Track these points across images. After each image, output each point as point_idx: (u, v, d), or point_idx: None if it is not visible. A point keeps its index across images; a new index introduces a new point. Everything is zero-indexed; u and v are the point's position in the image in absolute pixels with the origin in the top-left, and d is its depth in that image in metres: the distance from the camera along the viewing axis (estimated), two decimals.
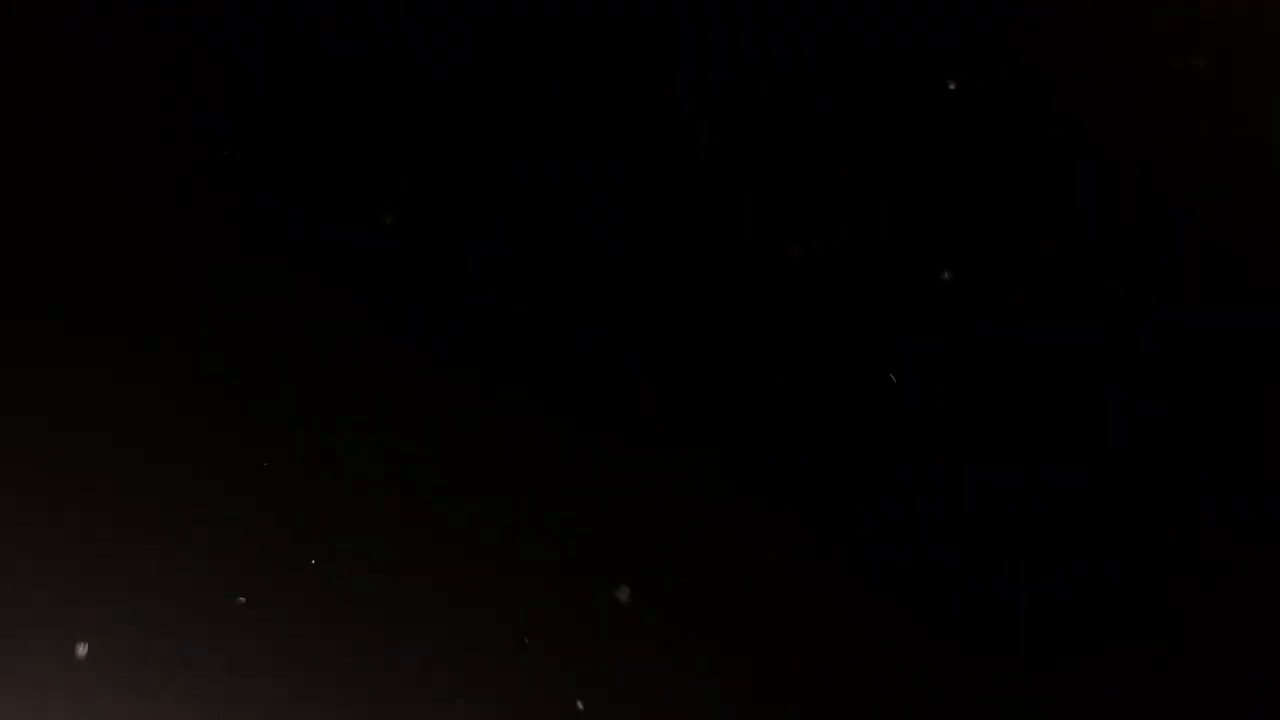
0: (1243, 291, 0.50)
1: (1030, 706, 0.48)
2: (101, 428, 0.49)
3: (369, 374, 0.50)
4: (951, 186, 0.51)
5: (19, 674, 0.48)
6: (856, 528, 0.49)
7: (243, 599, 0.48)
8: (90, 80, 0.52)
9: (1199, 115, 0.52)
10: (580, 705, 0.47)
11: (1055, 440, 0.49)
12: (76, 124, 0.51)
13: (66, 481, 0.49)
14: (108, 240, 0.51)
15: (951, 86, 0.52)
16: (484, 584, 0.48)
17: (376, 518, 0.49)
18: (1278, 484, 0.49)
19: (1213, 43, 0.52)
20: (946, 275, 0.50)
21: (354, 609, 0.48)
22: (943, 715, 0.48)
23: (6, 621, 0.48)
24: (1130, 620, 0.48)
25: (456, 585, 0.49)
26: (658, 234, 0.51)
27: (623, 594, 0.48)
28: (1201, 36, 0.52)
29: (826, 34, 0.52)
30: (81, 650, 0.47)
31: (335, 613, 0.48)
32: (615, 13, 0.52)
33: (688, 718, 0.48)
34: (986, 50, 0.52)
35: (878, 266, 0.50)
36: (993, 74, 0.52)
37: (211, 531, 0.49)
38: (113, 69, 0.52)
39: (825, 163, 0.51)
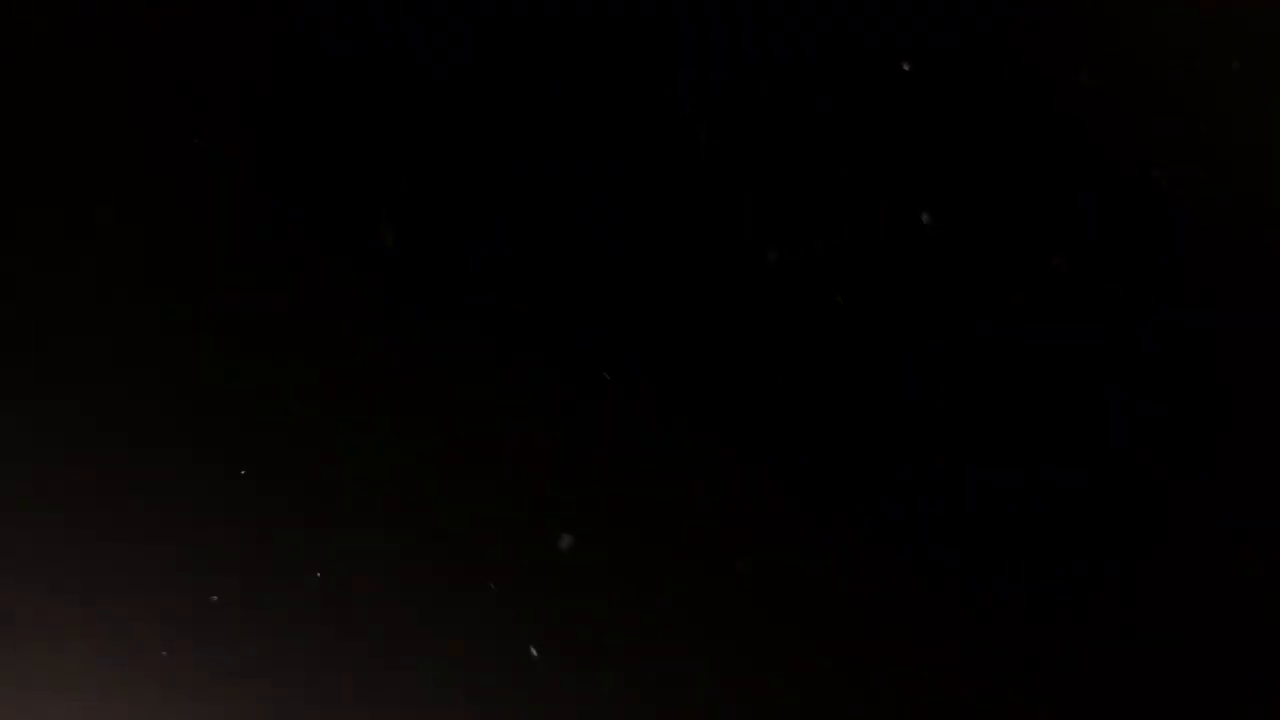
0: (1243, 291, 0.50)
1: (1030, 706, 0.48)
2: (102, 429, 0.49)
3: (368, 373, 0.50)
4: (952, 187, 0.51)
5: (18, 673, 0.48)
6: (856, 527, 0.49)
7: (215, 597, 0.48)
8: (89, 80, 0.51)
9: (1200, 115, 0.52)
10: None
11: (1055, 440, 0.49)
12: (76, 124, 0.51)
13: (66, 482, 0.49)
14: (105, 240, 0.50)
15: (950, 87, 0.51)
16: (480, 581, 0.49)
17: (376, 517, 0.49)
18: (1278, 484, 0.49)
19: (1241, 46, 0.52)
20: (944, 273, 0.50)
21: (353, 609, 0.48)
22: (941, 714, 0.48)
23: (5, 621, 0.48)
24: (1130, 620, 0.48)
25: (457, 584, 0.49)
26: (658, 234, 0.50)
27: (564, 542, 0.48)
28: (1225, 40, 0.52)
29: (826, 34, 0.52)
30: None
31: (334, 614, 0.48)
32: (615, 13, 0.52)
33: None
34: (989, 51, 0.52)
35: (877, 267, 0.50)
36: (994, 76, 0.52)
37: (212, 532, 0.49)
38: (112, 69, 0.51)
39: (824, 163, 0.51)
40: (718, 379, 0.50)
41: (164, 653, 0.48)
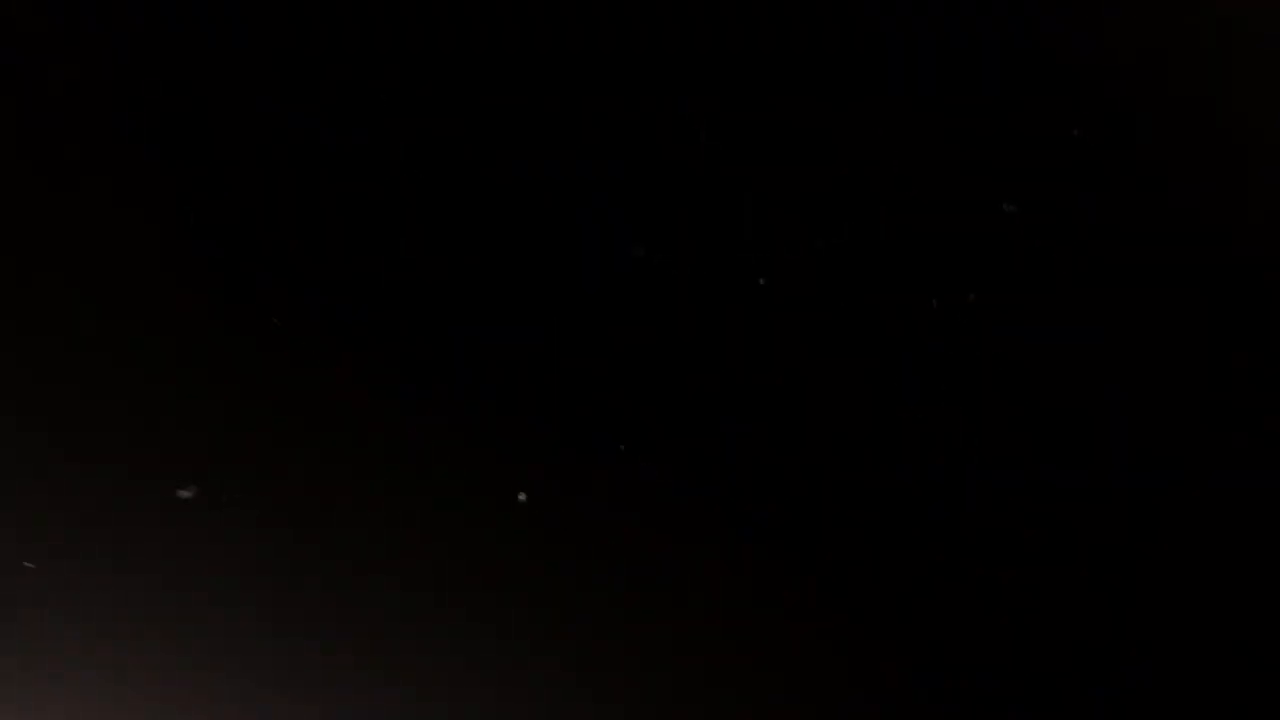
0: (1243, 291, 0.50)
1: (1030, 707, 0.48)
2: (101, 430, 0.49)
3: (363, 375, 0.50)
4: (953, 188, 0.51)
5: (15, 674, 0.48)
6: (856, 528, 0.49)
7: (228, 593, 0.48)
8: (87, 78, 0.51)
9: (1200, 116, 0.52)
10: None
11: (1055, 440, 0.49)
12: (74, 123, 0.51)
13: (63, 482, 0.49)
14: (103, 241, 0.50)
15: (949, 87, 0.51)
16: (473, 586, 0.49)
17: (373, 519, 0.49)
18: (1278, 484, 0.49)
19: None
20: (946, 272, 0.50)
21: (356, 609, 0.48)
22: (941, 714, 0.48)
23: (4, 623, 0.48)
24: (1129, 621, 0.48)
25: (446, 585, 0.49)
26: (658, 234, 0.51)
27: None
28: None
29: (827, 35, 0.52)
30: None
31: (333, 613, 0.48)
32: (615, 13, 0.52)
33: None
34: (986, 47, 0.52)
35: (878, 267, 0.50)
36: (995, 72, 0.52)
37: (209, 531, 0.49)
38: (111, 68, 0.51)
39: (825, 163, 0.51)
40: (715, 379, 0.50)
41: (161, 655, 0.48)
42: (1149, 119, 0.52)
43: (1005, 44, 0.52)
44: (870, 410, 0.49)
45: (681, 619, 0.48)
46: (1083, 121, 0.51)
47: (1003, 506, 0.49)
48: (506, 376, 0.50)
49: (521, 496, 0.48)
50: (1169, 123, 0.52)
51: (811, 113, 0.51)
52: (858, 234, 0.50)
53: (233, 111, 0.51)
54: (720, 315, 0.50)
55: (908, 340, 0.50)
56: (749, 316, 0.50)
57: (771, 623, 0.48)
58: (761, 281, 0.50)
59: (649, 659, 0.48)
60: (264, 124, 0.51)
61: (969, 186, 0.51)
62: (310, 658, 0.48)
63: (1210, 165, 0.51)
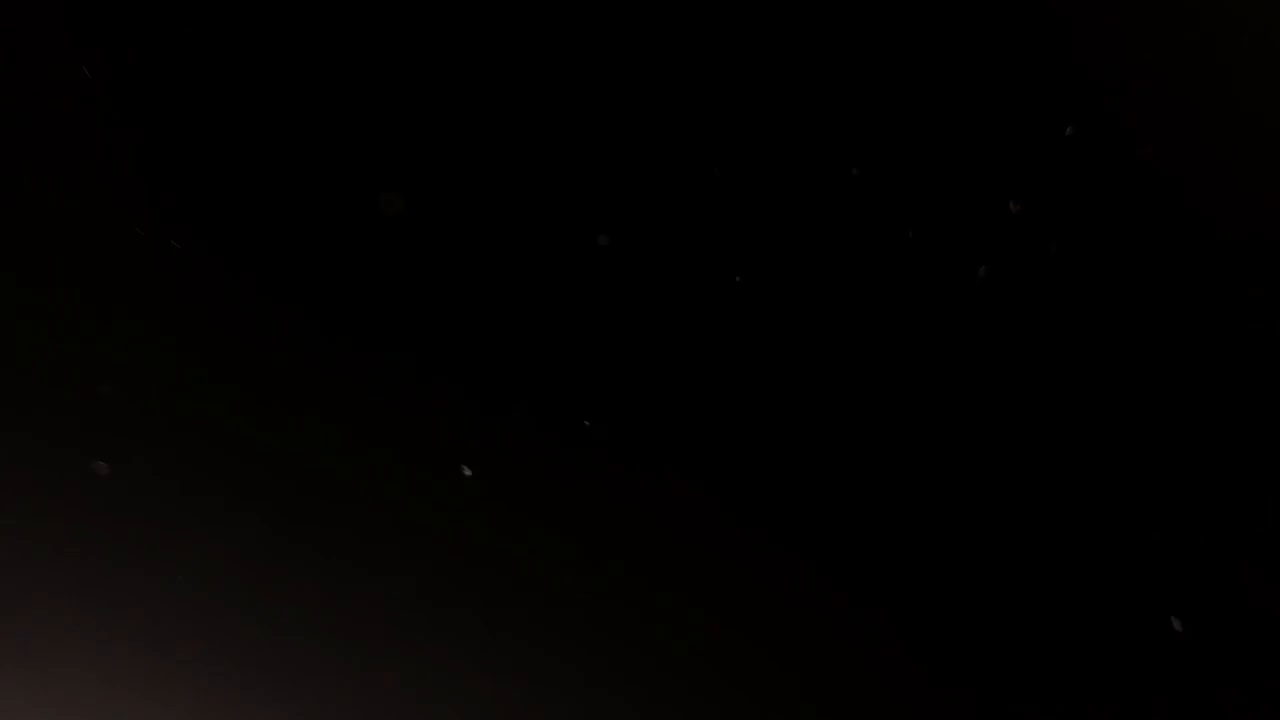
0: (1243, 291, 0.51)
1: (1029, 708, 0.48)
2: (96, 431, 0.49)
3: (359, 376, 0.50)
4: (952, 187, 0.51)
5: (15, 674, 0.48)
6: (856, 528, 0.49)
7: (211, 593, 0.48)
8: (84, 75, 0.51)
9: (1196, 113, 0.52)
10: None
11: (1055, 440, 0.49)
12: (72, 121, 0.51)
13: (60, 484, 0.49)
14: (93, 240, 0.50)
15: (946, 85, 0.52)
16: (464, 589, 0.49)
17: (371, 519, 0.49)
18: (1278, 484, 0.49)
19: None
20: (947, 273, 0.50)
21: (349, 606, 0.48)
22: (941, 716, 0.49)
23: (6, 617, 0.48)
24: (1130, 621, 0.49)
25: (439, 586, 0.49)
26: (658, 234, 0.51)
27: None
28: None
29: (827, 36, 0.52)
30: None
31: (326, 613, 0.48)
32: (615, 13, 0.52)
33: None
34: (985, 42, 0.52)
35: (878, 268, 0.50)
36: (996, 69, 0.52)
37: (207, 532, 0.49)
38: (109, 66, 0.51)
39: (825, 162, 0.51)
40: (714, 380, 0.50)
41: (158, 652, 0.48)
42: (1147, 118, 0.52)
43: (1006, 43, 0.52)
44: (870, 410, 0.50)
45: (649, 597, 0.49)
46: (1077, 120, 0.51)
47: (999, 504, 0.49)
48: (470, 360, 0.50)
49: (466, 471, 0.48)
50: (1169, 119, 0.52)
51: (813, 111, 0.51)
52: (857, 235, 0.51)
53: (227, 107, 0.51)
54: (690, 305, 0.50)
55: (908, 341, 0.50)
56: (716, 306, 0.50)
57: (735, 600, 0.49)
58: (738, 279, 0.50)
59: (612, 636, 0.48)
60: (258, 123, 0.51)
61: (970, 186, 0.51)
62: (253, 633, 0.48)
63: (1211, 163, 0.52)
